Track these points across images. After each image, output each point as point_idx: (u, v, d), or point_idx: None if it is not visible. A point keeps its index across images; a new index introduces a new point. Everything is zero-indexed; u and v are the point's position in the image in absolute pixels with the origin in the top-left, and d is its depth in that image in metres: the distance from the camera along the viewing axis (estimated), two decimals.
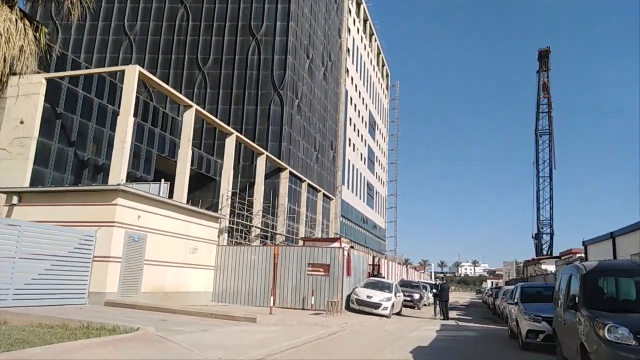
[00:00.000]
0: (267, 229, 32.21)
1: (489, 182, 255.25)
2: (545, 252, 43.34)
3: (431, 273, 78.81)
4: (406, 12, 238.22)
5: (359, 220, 56.21)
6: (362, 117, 58.83)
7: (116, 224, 14.67)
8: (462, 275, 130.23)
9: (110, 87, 26.44)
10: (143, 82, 37.68)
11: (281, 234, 33.57)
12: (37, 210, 15.32)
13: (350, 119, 53.30)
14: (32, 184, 19.10)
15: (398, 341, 11.92)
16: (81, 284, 14.23)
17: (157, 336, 8.63)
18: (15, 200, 15.68)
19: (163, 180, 22.15)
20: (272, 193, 34.01)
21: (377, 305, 18.67)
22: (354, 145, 54.74)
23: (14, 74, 9.25)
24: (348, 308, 19.37)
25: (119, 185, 14.85)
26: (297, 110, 38.55)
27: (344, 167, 50.33)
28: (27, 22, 8.73)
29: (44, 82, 20.87)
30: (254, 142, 32.19)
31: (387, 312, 18.74)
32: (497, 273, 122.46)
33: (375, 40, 65.14)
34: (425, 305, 27.70)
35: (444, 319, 20.18)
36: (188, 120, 24.69)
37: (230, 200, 28.06)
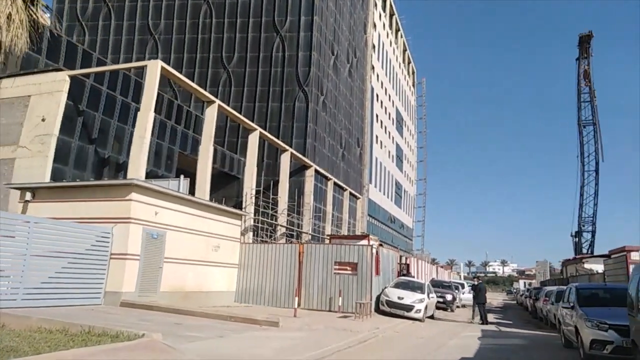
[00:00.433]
0: (292, 228, 31.09)
1: (517, 181, 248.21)
2: (585, 251, 40.58)
3: (458, 272, 76.28)
4: (432, 5, 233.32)
5: (386, 219, 54.55)
6: (389, 114, 57.10)
7: (132, 220, 13.70)
8: (491, 275, 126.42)
9: (135, 85, 25.74)
10: (168, 81, 37.46)
11: (307, 233, 32.39)
12: (51, 207, 14.48)
13: (377, 116, 51.73)
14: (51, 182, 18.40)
15: (438, 351, 10.53)
16: (97, 283, 13.31)
17: (163, 344, 7.49)
18: (28, 196, 14.91)
19: (182, 176, 21.24)
20: (297, 191, 32.86)
21: (409, 308, 17.21)
22: (380, 143, 53.12)
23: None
24: (377, 310, 17.99)
25: (132, 179, 13.89)
26: (322, 106, 37.31)
27: (370, 164, 48.80)
28: None
29: (67, 79, 20.26)
30: (278, 139, 31.09)
31: (419, 315, 17.27)
32: (526, 273, 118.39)
33: (401, 36, 63.28)
34: (457, 306, 26.02)
35: (482, 323, 18.55)
36: (210, 116, 23.77)
37: (254, 198, 27.02)
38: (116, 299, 13.25)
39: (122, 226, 13.64)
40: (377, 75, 52.09)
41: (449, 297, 23.78)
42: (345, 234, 34.98)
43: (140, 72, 27.08)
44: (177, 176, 26.15)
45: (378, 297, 18.23)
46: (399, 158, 61.68)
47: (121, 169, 23.46)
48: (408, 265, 26.30)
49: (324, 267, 17.85)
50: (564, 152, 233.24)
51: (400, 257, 28.94)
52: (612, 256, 20.85)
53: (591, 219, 41.00)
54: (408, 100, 69.41)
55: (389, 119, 57.15)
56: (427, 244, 74.43)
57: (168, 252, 14.90)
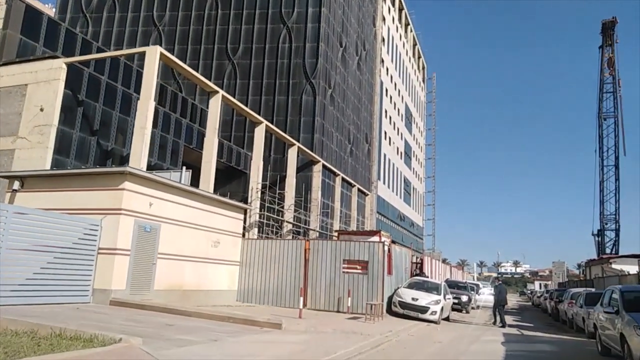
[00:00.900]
0: (299, 224, 29.95)
1: (529, 180, 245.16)
2: (609, 251, 38.66)
3: (470, 273, 74.65)
4: (440, 2, 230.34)
5: (396, 217, 53.17)
6: (398, 109, 55.67)
7: (123, 211, 12.58)
8: (503, 276, 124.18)
9: (137, 75, 24.75)
10: (172, 73, 36.61)
11: (314, 230, 31.22)
12: (41, 197, 13.44)
13: (386, 111, 50.36)
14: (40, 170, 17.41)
15: (459, 357, 9.25)
16: (85, 280, 12.21)
17: (142, 351, 6.32)
18: (16, 185, 13.86)
19: (184, 168, 20.16)
20: (304, 187, 31.72)
21: (423, 309, 15.92)
22: (389, 139, 51.74)
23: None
24: (389, 311, 16.72)
25: (125, 166, 12.77)
26: (330, 100, 36.09)
27: (379, 160, 47.49)
28: None
29: (64, 66, 19.34)
30: (285, 133, 29.95)
31: (435, 317, 15.97)
32: (539, 274, 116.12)
33: (411, 31, 61.79)
34: (473, 308, 24.69)
35: (502, 326, 17.23)
36: (214, 107, 22.72)
37: (259, 192, 25.93)
38: (105, 298, 12.15)
39: (112, 218, 12.53)
40: (387, 69, 50.73)
41: (464, 298, 22.45)
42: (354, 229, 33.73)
43: (142, 62, 26.22)
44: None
45: (390, 298, 16.97)
46: (408, 155, 60.23)
47: (125, 161, 22.46)
48: (421, 265, 24.96)
49: (332, 265, 16.62)
50: (578, 151, 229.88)
51: (415, 255, 27.67)
52: None
53: (613, 216, 38.89)
54: (418, 96, 67.91)
55: (398, 114, 55.74)
56: (438, 243, 73.15)
57: (163, 247, 13.77)
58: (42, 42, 21.37)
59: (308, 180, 32.64)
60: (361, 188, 41.38)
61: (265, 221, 26.52)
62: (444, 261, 56.75)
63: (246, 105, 30.30)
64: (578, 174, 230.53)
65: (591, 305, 14.78)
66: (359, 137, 42.88)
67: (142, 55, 20.56)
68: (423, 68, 71.50)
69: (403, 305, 16.26)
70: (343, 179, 37.09)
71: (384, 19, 49.10)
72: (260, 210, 26.09)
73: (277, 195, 28.32)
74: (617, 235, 38.83)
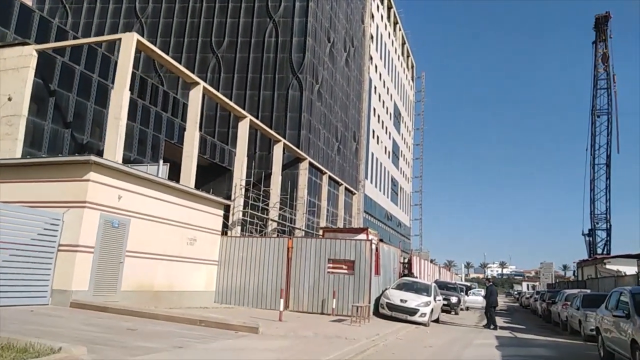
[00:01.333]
0: (284, 223, 28.93)
1: (516, 182, 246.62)
2: (601, 251, 38.06)
3: (457, 273, 74.14)
4: (429, 3, 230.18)
5: (383, 217, 52.36)
6: (387, 108, 54.87)
7: (87, 204, 11.44)
8: (490, 277, 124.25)
9: (115, 67, 23.55)
10: (154, 66, 35.32)
11: (300, 228, 30.23)
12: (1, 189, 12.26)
13: (374, 109, 49.53)
14: None
15: None
16: (43, 279, 11.06)
17: None
18: None
19: (162, 161, 19.08)
20: (290, 184, 30.72)
21: (413, 311, 15.01)
22: (377, 138, 50.91)
23: None
24: (376, 313, 15.79)
25: (90, 155, 11.65)
26: (317, 96, 35.11)
27: (367, 159, 46.63)
28: None
29: (35, 54, 18.12)
30: (270, 129, 28.92)
31: (425, 320, 15.07)
32: (526, 275, 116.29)
33: (400, 29, 61.05)
34: (462, 309, 23.90)
35: (493, 328, 16.43)
36: (194, 99, 21.66)
37: (243, 189, 24.87)
38: (65, 299, 11.00)
39: (75, 211, 11.39)
40: (376, 67, 49.92)
41: (454, 300, 21.64)
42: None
43: (113, 48, 25.03)
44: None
45: (378, 300, 16.04)
46: (395, 154, 59.48)
47: (102, 155, 21.32)
48: (410, 265, 24.08)
49: (316, 265, 15.64)
50: (566, 151, 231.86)
51: (401, 255, 26.77)
52: None
53: (605, 215, 38.21)
54: (407, 94, 67.23)
55: (387, 113, 54.95)
56: (425, 244, 72.58)
57: (132, 244, 12.64)
58: (13, 29, 20.12)
59: (294, 178, 31.66)
60: (348, 187, 40.49)
61: (249, 219, 25.47)
62: (431, 262, 56.09)
63: (230, 100, 29.27)
64: (565, 174, 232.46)
65: (588, 308, 14.03)
66: (346, 135, 41.98)
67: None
68: (412, 67, 70.88)
69: (391, 307, 15.34)
70: (330, 177, 36.16)
71: (372, 16, 48.28)
72: (244, 208, 25.03)
73: (261, 193, 27.27)
74: (609, 235, 38.18)
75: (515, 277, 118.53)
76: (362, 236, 16.52)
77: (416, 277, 21.46)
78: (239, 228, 24.60)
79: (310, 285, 15.50)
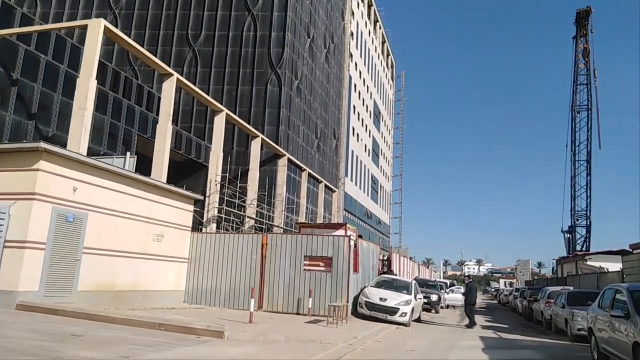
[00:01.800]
0: (262, 220, 27.83)
1: (491, 181, 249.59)
2: (580, 248, 37.69)
3: (435, 271, 73.80)
4: (409, 3, 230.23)
5: (363, 215, 51.59)
6: (367, 106, 54.13)
7: (38, 196, 10.23)
8: (465, 275, 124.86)
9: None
10: (128, 59, 33.81)
11: (278, 226, 29.18)
12: None
13: (354, 107, 48.71)
14: None
15: None
16: None
17: None
18: None
19: (128, 153, 17.82)
20: (268, 181, 29.64)
21: (393, 311, 14.12)
22: (357, 135, 50.12)
23: None
24: (355, 313, 14.87)
25: (40, 143, 10.43)
26: (297, 92, 34.07)
27: (347, 157, 45.78)
28: None
29: None
30: (249, 125, 27.80)
31: (405, 320, 14.20)
32: (501, 272, 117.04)
33: (380, 28, 60.39)
34: (442, 307, 23.19)
35: (471, 326, 15.73)
36: (168, 91, 20.48)
37: (219, 186, 23.72)
38: (11, 301, 9.78)
39: (23, 204, 10.17)
40: (356, 64, 49.11)
41: (434, 298, 20.87)
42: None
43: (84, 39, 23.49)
44: (136, 161, 22.79)
45: (356, 299, 15.12)
46: (376, 153, 58.80)
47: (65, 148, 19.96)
48: (390, 262, 23.25)
49: (292, 262, 14.63)
50: (540, 153, 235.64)
51: (380, 253, 25.93)
52: (635, 251, 17.97)
53: (585, 212, 37.92)
54: (387, 94, 66.64)
55: (367, 111, 54.22)
56: (404, 242, 71.98)
57: (91, 241, 11.45)
58: None
59: (273, 175, 30.57)
60: (328, 184, 39.57)
61: (224, 216, 24.33)
62: (410, 259, 55.58)
63: (208, 95, 28.09)
64: (541, 173, 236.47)
65: (575, 306, 13.38)
66: (326, 133, 41.05)
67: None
68: (392, 66, 70.34)
69: (370, 306, 14.43)
70: (310, 175, 35.17)
71: (353, 13, 47.47)
72: (220, 205, 23.90)
73: (238, 190, 26.13)
74: (589, 232, 37.77)
75: (493, 275, 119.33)
76: (341, 232, 15.60)
77: (396, 275, 20.64)
78: (214, 225, 23.48)
79: (285, 284, 14.50)
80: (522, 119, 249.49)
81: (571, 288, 17.69)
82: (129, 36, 32.29)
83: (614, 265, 19.87)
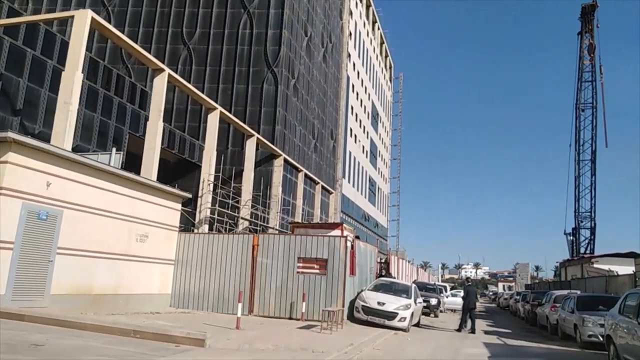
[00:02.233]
0: (256, 221, 26.94)
1: (489, 184, 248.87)
2: (583, 250, 36.68)
3: (433, 274, 72.94)
4: (408, 3, 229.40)
5: (360, 217, 50.70)
6: (365, 107, 53.29)
7: (5, 190, 9.34)
8: (464, 278, 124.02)
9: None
10: (121, 56, 32.96)
11: (273, 228, 28.27)
12: None
13: (352, 108, 47.91)
14: None
15: None
16: None
17: None
18: None
19: (114, 149, 16.97)
20: (263, 182, 28.79)
21: (391, 315, 13.25)
22: (355, 136, 49.29)
23: None
24: (351, 317, 13.99)
25: (7, 133, 9.54)
26: (293, 90, 33.23)
27: (344, 158, 44.94)
28: None
29: None
30: (244, 124, 26.95)
31: (404, 324, 13.33)
32: (498, 275, 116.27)
33: (379, 28, 59.65)
34: (441, 311, 22.33)
35: (471, 331, 14.88)
36: (159, 87, 19.62)
37: (212, 185, 22.83)
38: None
39: None
40: (354, 65, 48.33)
41: (433, 302, 20.01)
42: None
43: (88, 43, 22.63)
44: (127, 160, 21.86)
45: (352, 302, 14.24)
46: (373, 154, 57.94)
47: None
48: (388, 265, 22.36)
49: (285, 264, 13.75)
50: (539, 156, 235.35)
51: (378, 255, 25.03)
52: None
53: (589, 214, 36.57)
54: (384, 95, 65.86)
55: (365, 112, 53.40)
56: (401, 245, 71.14)
57: (65, 240, 10.54)
58: None
59: (268, 175, 29.71)
60: (325, 186, 38.69)
61: (217, 217, 23.43)
62: (409, 262, 54.66)
63: (202, 93, 27.27)
64: (539, 176, 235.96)
65: (585, 310, 12.53)
66: (323, 133, 40.20)
67: (89, 35, 17.34)
68: (390, 67, 69.60)
69: (367, 310, 13.55)
70: (306, 175, 34.30)
71: (351, 13, 46.75)
72: (213, 205, 23.01)
73: (232, 190, 25.25)
74: (593, 233, 36.54)
75: (491, 278, 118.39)
76: (337, 232, 14.73)
77: (394, 278, 19.77)
78: (206, 226, 22.57)
79: (277, 287, 13.61)
80: (521, 119, 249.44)
81: (578, 292, 16.86)
82: (122, 33, 31.59)
83: (624, 268, 19.00)
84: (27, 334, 7.44)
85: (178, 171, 27.56)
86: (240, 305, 10.31)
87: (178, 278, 14.19)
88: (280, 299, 13.53)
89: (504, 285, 58.77)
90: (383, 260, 23.13)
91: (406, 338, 12.14)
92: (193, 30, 32.52)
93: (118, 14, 33.24)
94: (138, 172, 16.20)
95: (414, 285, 15.53)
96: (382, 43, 62.69)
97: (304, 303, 13.03)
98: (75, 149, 15.48)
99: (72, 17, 17.07)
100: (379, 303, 13.51)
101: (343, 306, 13.03)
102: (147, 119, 23.84)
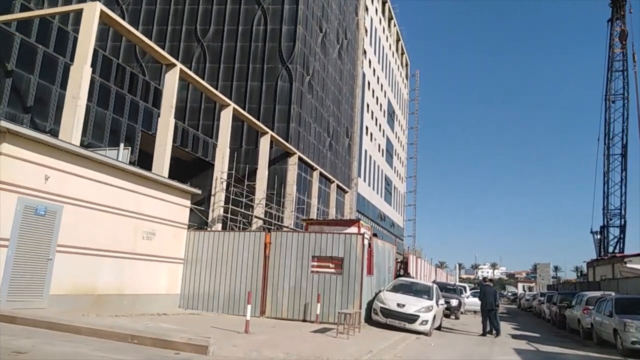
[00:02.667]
0: (270, 220, 26.21)
1: (506, 183, 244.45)
2: (612, 250, 34.69)
3: (450, 274, 71.20)
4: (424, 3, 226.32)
5: (376, 217, 49.59)
6: (380, 105, 52.15)
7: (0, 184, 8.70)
8: (481, 278, 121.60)
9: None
10: (135, 56, 32.58)
11: (287, 227, 27.49)
12: None
13: (368, 105, 46.85)
14: None
15: None
16: None
17: None
18: None
19: (122, 145, 16.35)
20: (277, 180, 28.06)
21: (412, 318, 12.29)
22: (371, 135, 48.21)
23: None
24: (369, 320, 13.07)
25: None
26: (308, 87, 32.40)
27: (360, 157, 43.92)
28: None
29: None
30: (258, 122, 26.24)
31: (426, 328, 12.36)
32: (516, 276, 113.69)
33: (395, 25, 58.45)
34: (462, 313, 21.22)
35: (484, 334, 13.81)
36: (170, 82, 19.05)
37: (224, 184, 22.15)
38: None
39: None
40: (369, 62, 47.28)
41: (454, 303, 18.94)
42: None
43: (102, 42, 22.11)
44: (140, 158, 21.37)
45: (370, 304, 13.31)
46: (389, 153, 56.73)
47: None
48: (406, 264, 21.33)
49: (299, 263, 12.90)
50: (558, 155, 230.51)
51: (398, 253, 23.98)
52: None
53: (618, 211, 34.39)
54: (401, 92, 64.56)
55: (380, 110, 52.27)
56: (417, 245, 69.69)
57: (66, 237, 9.86)
58: None
59: (282, 173, 28.96)
60: (340, 184, 37.76)
61: (230, 216, 22.74)
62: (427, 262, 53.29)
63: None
64: (557, 175, 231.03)
65: (626, 314, 11.38)
66: (339, 131, 39.27)
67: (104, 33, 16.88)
68: (406, 65, 68.26)
69: (386, 313, 12.60)
70: (321, 174, 33.44)
71: (366, 9, 45.73)
72: (227, 204, 22.35)
73: (246, 188, 24.55)
74: (623, 232, 34.34)
75: (507, 278, 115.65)
76: (353, 229, 13.81)
77: (413, 278, 18.75)
78: (219, 225, 21.89)
79: (290, 287, 12.76)
80: (543, 117, 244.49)
81: (612, 293, 15.63)
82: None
83: None
84: (14, 339, 6.71)
85: (192, 170, 27.00)
86: (249, 307, 9.47)
87: (187, 278, 13.45)
88: (293, 300, 12.67)
89: (523, 286, 56.89)
90: (402, 260, 22.09)
91: (429, 343, 11.17)
92: (207, 28, 31.96)
93: (132, 12, 32.86)
94: (150, 170, 15.59)
95: (435, 286, 14.52)
96: (398, 40, 61.44)
97: (319, 304, 12.16)
98: (86, 147, 14.93)
99: (81, 10, 16.59)
100: (398, 305, 12.56)
101: (360, 308, 12.12)
102: (160, 116, 23.34)
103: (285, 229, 27.11)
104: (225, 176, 21.98)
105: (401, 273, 19.91)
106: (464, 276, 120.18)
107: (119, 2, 33.00)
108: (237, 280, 13.12)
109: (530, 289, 52.32)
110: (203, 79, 29.26)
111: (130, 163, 15.05)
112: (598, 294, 15.54)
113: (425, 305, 12.71)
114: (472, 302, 23.95)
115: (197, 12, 32.22)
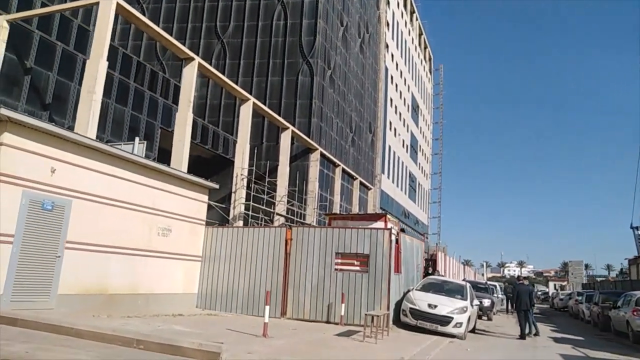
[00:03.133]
0: (292, 217, 25.48)
1: (534, 179, 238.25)
2: None
3: (480, 272, 69.15)
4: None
5: (400, 214, 48.29)
6: (404, 99, 50.76)
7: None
8: (508, 276, 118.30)
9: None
10: (155, 54, 32.34)
11: (310, 224, 26.70)
12: None
13: (391, 100, 45.62)
14: None
15: None
16: None
17: None
18: None
19: (137, 139, 15.79)
20: (298, 175, 27.31)
21: (445, 320, 11.27)
22: (394, 130, 46.94)
23: None
24: (397, 321, 12.11)
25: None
26: (330, 82, 31.51)
27: (383, 153, 42.77)
28: None
29: (6, 25, 15.33)
30: (279, 117, 25.53)
31: (460, 331, 11.32)
32: (544, 274, 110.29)
33: (417, 19, 56.93)
34: (494, 314, 20.00)
35: (535, 334, 12.67)
36: (188, 76, 18.57)
37: (245, 180, 21.50)
38: None
39: None
40: (392, 56, 46.02)
41: (486, 303, 17.76)
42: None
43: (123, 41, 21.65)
44: (159, 156, 20.93)
45: (398, 304, 12.34)
46: (414, 149, 55.27)
47: None
48: (435, 262, 20.17)
49: (321, 260, 12.03)
50: (586, 151, 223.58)
51: (427, 250, 22.82)
52: None
53: None
54: (424, 87, 62.93)
55: (404, 104, 50.90)
56: (442, 242, 67.80)
57: (75, 233, 9.24)
58: None
59: (304, 169, 28.19)
60: (363, 181, 36.74)
61: (251, 213, 22.09)
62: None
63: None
64: (585, 171, 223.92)
65: None
66: (361, 126, 38.24)
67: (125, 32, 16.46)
68: (429, 59, 66.57)
69: (417, 314, 11.61)
70: (344, 171, 32.53)
71: (388, 2, 44.49)
72: (247, 201, 21.71)
73: (267, 185, 23.87)
74: None
75: (534, 277, 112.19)
76: (379, 224, 12.85)
77: (443, 276, 17.65)
78: (241, 222, 21.26)
79: (313, 286, 11.90)
80: (570, 114, 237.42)
81: None
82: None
83: None
84: (9, 344, 6.05)
85: (212, 167, 26.48)
86: (267, 308, 8.64)
87: (205, 276, 12.75)
88: (316, 299, 11.81)
89: (555, 285, 54.64)
90: (430, 257, 20.97)
91: (465, 348, 10.14)
92: (227, 24, 31.45)
93: (152, 10, 32.62)
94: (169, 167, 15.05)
95: (469, 285, 13.43)
96: (420, 34, 59.86)
97: (343, 305, 11.27)
98: (105, 143, 14.50)
99: (97, 3, 16.17)
100: (429, 305, 11.55)
101: (388, 309, 11.16)
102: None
103: (307, 226, 26.35)
104: (245, 172, 21.36)
105: (430, 271, 18.83)
106: (490, 274, 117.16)
107: (140, 1, 32.81)
108: (257, 279, 12.34)
109: (562, 287, 50.17)
110: (223, 75, 28.81)
111: (146, 157, 14.48)
112: None
113: (459, 306, 11.67)
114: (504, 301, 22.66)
115: (217, 8, 31.74)
